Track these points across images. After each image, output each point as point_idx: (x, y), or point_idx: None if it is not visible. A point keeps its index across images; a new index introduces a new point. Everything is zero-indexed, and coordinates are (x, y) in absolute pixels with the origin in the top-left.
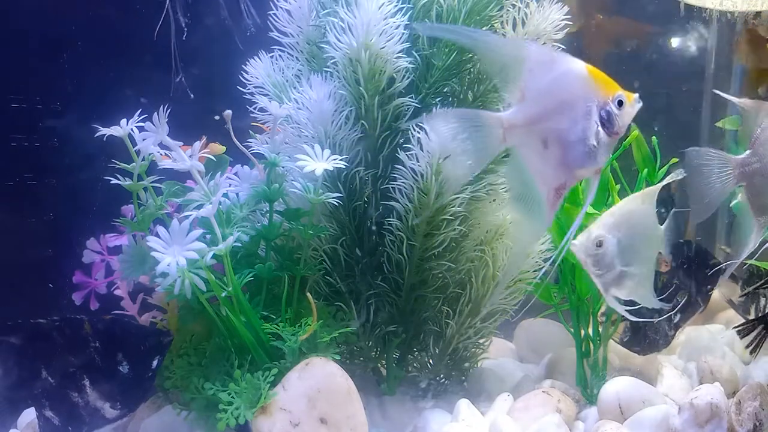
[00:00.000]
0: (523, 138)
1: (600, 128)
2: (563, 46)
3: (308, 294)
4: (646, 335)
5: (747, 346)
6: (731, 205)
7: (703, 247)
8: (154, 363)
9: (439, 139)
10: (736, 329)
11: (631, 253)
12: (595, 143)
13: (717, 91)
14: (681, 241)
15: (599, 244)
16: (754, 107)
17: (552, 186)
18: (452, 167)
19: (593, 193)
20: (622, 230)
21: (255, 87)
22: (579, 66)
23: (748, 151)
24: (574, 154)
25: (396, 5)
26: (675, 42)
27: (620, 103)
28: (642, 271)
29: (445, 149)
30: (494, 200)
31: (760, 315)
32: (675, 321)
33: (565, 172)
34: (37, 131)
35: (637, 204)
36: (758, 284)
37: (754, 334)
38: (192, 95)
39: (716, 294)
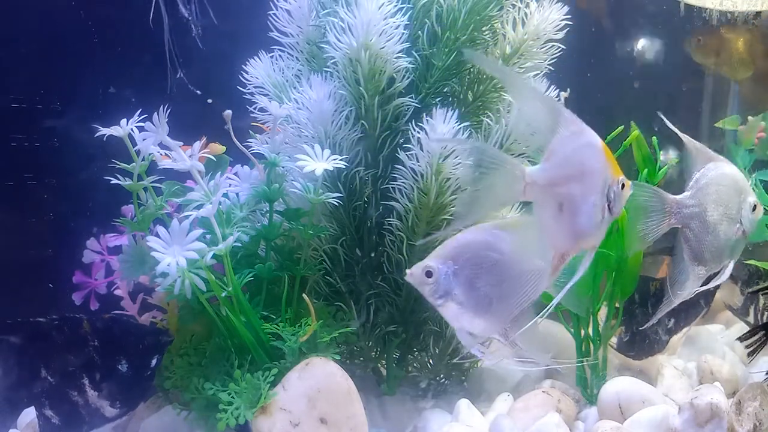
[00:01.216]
0: (542, 197)
1: (606, 205)
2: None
3: (305, 296)
4: (645, 338)
5: (747, 346)
6: None
7: None
8: (153, 362)
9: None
10: (739, 339)
11: (484, 287)
12: (600, 218)
13: (662, 116)
14: None
15: (428, 274)
16: (695, 148)
17: (558, 251)
18: (467, 200)
19: (586, 266)
20: (459, 261)
21: (255, 87)
22: (599, 142)
23: (686, 193)
24: (582, 225)
25: (396, 5)
26: (675, 42)
27: (622, 186)
28: (504, 310)
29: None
30: None
31: (763, 322)
32: (669, 326)
33: (572, 240)
34: (37, 131)
35: (484, 234)
36: (757, 288)
37: (754, 338)
38: (190, 94)
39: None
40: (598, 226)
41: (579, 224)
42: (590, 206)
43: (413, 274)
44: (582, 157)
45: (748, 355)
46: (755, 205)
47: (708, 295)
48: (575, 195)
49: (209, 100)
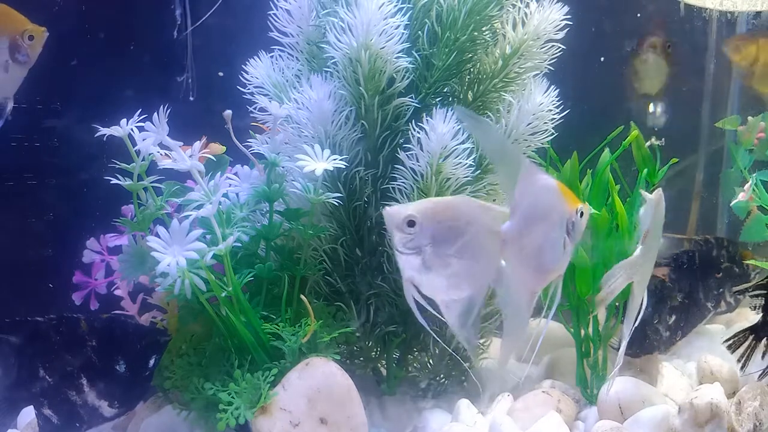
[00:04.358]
0: (514, 252)
1: (567, 237)
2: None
3: (303, 297)
4: (645, 337)
5: (738, 360)
6: (731, 204)
7: (712, 252)
8: (151, 361)
9: None
10: (726, 343)
11: (450, 255)
12: (563, 250)
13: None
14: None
15: (410, 224)
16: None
17: (528, 289)
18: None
19: (558, 297)
20: (441, 221)
21: (255, 87)
22: (552, 182)
23: (640, 247)
24: (548, 262)
25: (396, 5)
26: (675, 42)
27: (581, 214)
28: (459, 283)
29: None
30: (494, 200)
31: (750, 325)
32: (670, 323)
33: (540, 278)
34: (37, 131)
35: (474, 207)
36: (743, 287)
37: (744, 345)
38: (198, 93)
39: None
40: (561, 259)
41: (544, 263)
42: (552, 243)
43: (392, 215)
44: (539, 201)
45: (741, 367)
46: None
47: (712, 299)
48: (538, 239)
49: (220, 73)
